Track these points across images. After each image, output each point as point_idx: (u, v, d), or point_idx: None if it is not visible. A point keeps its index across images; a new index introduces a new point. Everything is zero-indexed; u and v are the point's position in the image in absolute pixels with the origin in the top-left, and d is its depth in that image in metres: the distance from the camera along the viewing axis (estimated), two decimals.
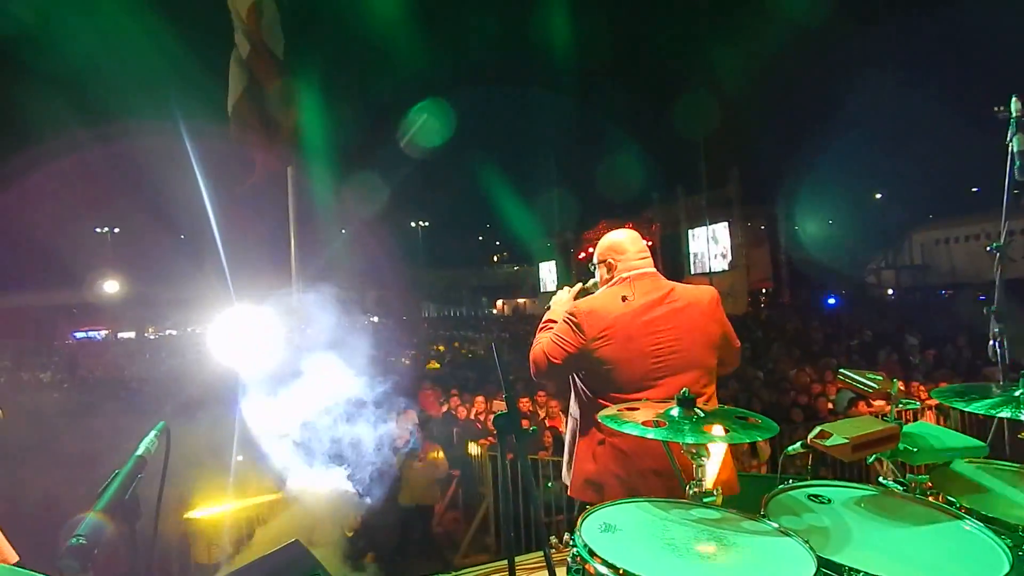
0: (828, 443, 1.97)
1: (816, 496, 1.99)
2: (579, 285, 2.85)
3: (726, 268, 30.77)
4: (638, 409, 1.97)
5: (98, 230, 38.49)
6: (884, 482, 2.14)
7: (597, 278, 2.73)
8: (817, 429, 2.08)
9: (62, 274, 33.41)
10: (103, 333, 36.55)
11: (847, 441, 1.94)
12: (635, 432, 1.82)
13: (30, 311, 32.46)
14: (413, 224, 47.83)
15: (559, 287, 2.97)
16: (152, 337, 34.17)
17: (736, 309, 26.84)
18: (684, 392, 1.90)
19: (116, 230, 38.66)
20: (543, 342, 2.58)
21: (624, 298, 2.50)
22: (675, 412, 1.89)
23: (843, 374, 2.47)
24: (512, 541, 2.25)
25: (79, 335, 35.72)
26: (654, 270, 2.62)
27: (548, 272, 43.27)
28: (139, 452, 1.43)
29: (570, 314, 2.52)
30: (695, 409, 1.90)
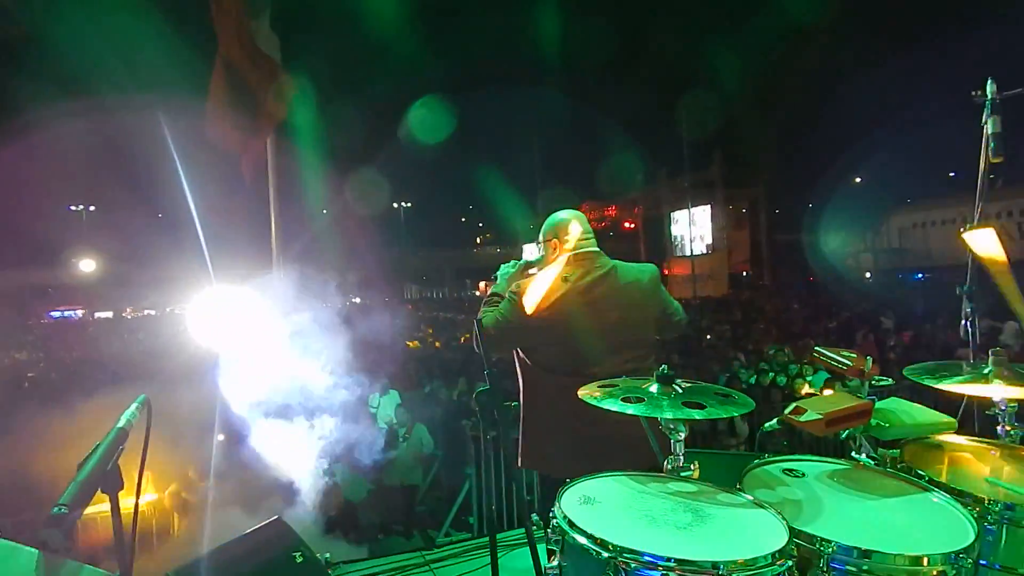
0: (803, 419, 2.02)
1: (791, 470, 2.04)
2: (525, 260, 2.87)
3: (707, 250, 31.00)
4: (618, 385, 1.99)
5: (72, 208, 37.78)
6: (857, 456, 2.20)
7: (543, 256, 2.75)
8: (792, 405, 2.13)
9: (36, 253, 32.79)
10: (80, 313, 35.98)
11: (821, 417, 1.99)
12: (615, 408, 1.84)
13: (3, 290, 31.84)
14: (395, 205, 47.48)
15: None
16: (129, 317, 33.74)
17: (717, 291, 27.09)
18: (663, 369, 1.94)
19: (91, 208, 37.97)
20: (486, 316, 2.60)
21: (566, 277, 2.54)
22: (654, 388, 1.92)
23: (818, 351, 2.52)
24: (495, 518, 2.29)
25: (55, 315, 35.13)
26: (597, 249, 2.66)
27: (531, 254, 43.13)
28: (120, 424, 1.43)
29: (512, 292, 2.55)
30: (674, 385, 1.93)
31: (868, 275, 31.96)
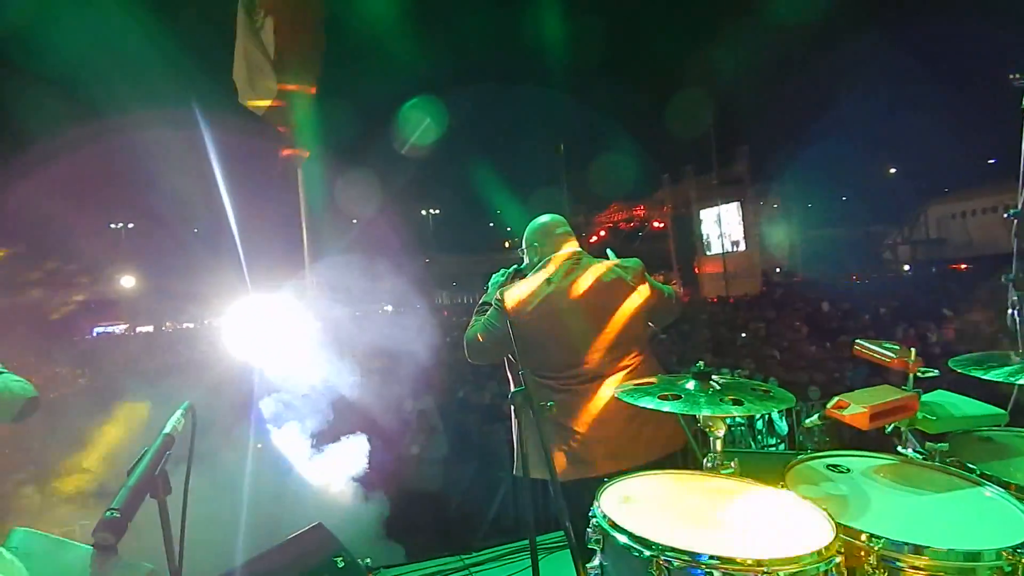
0: (846, 412, 1.97)
1: (835, 466, 2.00)
2: (514, 268, 2.89)
3: (739, 248, 30.56)
4: (654, 383, 1.97)
5: (113, 225, 38.84)
6: (903, 451, 2.14)
7: (528, 262, 2.80)
8: (835, 399, 2.08)
9: (80, 271, 33.90)
10: (122, 327, 36.95)
11: (865, 410, 1.94)
12: (651, 405, 1.83)
13: (49, 308, 32.96)
14: (424, 212, 47.82)
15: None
16: (170, 330, 34.52)
17: (750, 289, 26.68)
18: (699, 365, 1.92)
19: (130, 225, 38.99)
20: (475, 324, 2.68)
21: (549, 279, 2.57)
22: (690, 385, 1.89)
23: (860, 345, 2.46)
24: (533, 522, 2.27)
25: (98, 330, 36.13)
26: (578, 250, 2.69)
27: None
28: (166, 430, 1.47)
29: (497, 299, 2.60)
30: (711, 382, 1.90)
31: (907, 268, 31.16)
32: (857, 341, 2.48)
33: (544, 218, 2.77)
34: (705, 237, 32.73)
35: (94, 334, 35.08)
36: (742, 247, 30.31)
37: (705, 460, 1.88)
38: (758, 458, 2.89)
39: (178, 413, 1.53)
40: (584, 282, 2.58)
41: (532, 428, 2.25)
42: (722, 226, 30.85)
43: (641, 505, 1.65)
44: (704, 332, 14.53)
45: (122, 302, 35.79)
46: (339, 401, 7.61)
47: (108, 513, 1.19)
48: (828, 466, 1.99)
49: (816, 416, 2.25)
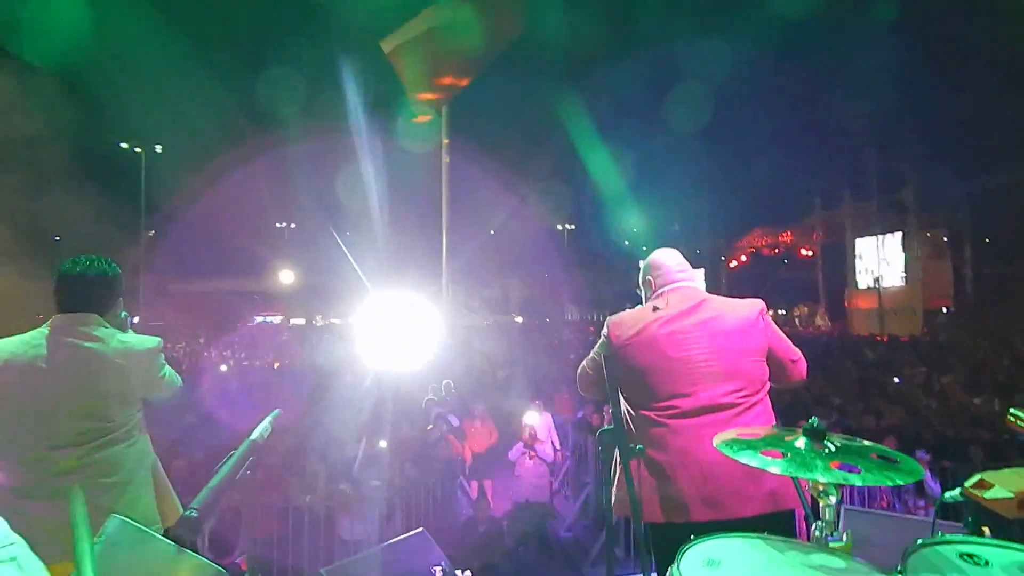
0: (988, 495, 1.74)
1: (970, 555, 1.75)
2: (640, 307, 2.84)
3: (899, 283, 27.90)
4: (760, 436, 1.84)
5: (278, 225, 42.64)
6: None
7: (646, 296, 2.79)
8: (976, 477, 1.84)
9: (248, 264, 37.78)
10: (278, 319, 40.54)
11: (1012, 496, 1.70)
12: (752, 462, 1.70)
13: (220, 296, 37.01)
14: (560, 227, 48.20)
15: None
16: (319, 324, 37.33)
17: (910, 330, 24.28)
18: (813, 421, 1.76)
19: (292, 225, 42.60)
20: (587, 360, 2.72)
21: (656, 308, 2.56)
22: (801, 443, 1.75)
23: (1014, 414, 2.15)
24: (645, 552, 2.16)
25: (258, 319, 39.93)
26: (691, 284, 2.67)
27: (697, 279, 41.47)
28: (253, 436, 1.56)
29: (605, 329, 2.64)
30: (826, 442, 1.74)
31: None
32: (1011, 411, 2.17)
33: (659, 253, 2.78)
34: (862, 269, 30.25)
35: (255, 322, 38.81)
36: (900, 282, 27.65)
37: (813, 527, 1.73)
38: (891, 524, 2.60)
39: (267, 421, 1.63)
40: (691, 314, 2.52)
41: (618, 469, 2.19)
42: (880, 257, 28.35)
43: (726, 571, 1.55)
44: (852, 372, 13.41)
45: (280, 295, 39.39)
46: (459, 409, 7.86)
47: (187, 512, 1.27)
48: (962, 555, 1.75)
49: (957, 491, 2.00)
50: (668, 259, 2.73)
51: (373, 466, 5.90)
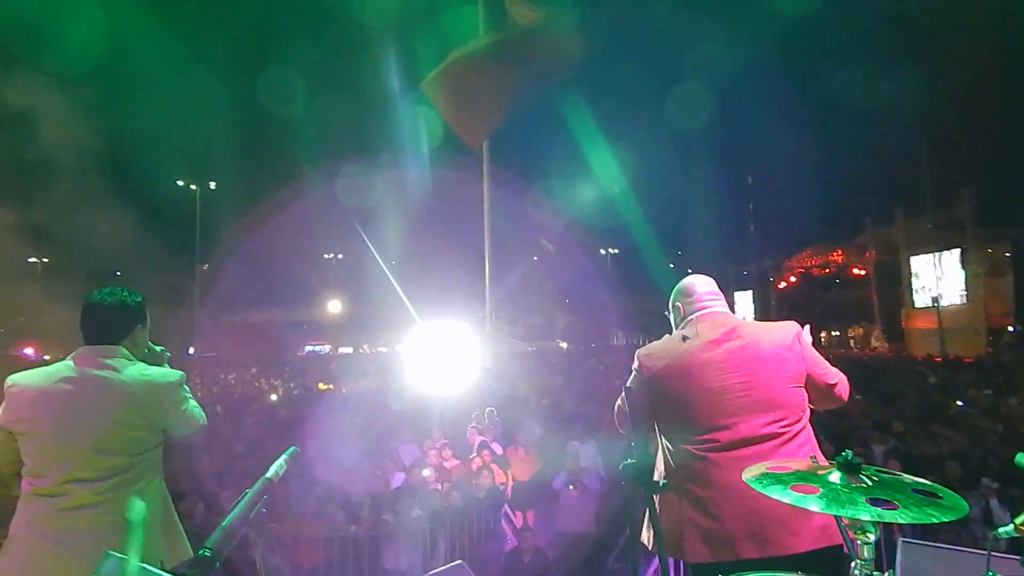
0: None
1: None
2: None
3: (959, 302, 26.77)
4: (790, 470, 1.78)
5: (327, 256, 43.63)
6: None
7: (673, 323, 2.70)
8: None
9: (297, 294, 38.78)
10: (326, 348, 41.33)
11: None
12: (788, 500, 1.63)
13: (271, 326, 38.03)
14: (603, 252, 48.02)
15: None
16: (366, 353, 37.87)
17: (972, 350, 23.24)
18: (847, 455, 1.69)
19: (340, 256, 43.54)
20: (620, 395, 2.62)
21: (685, 337, 2.46)
22: (835, 477, 1.66)
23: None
24: None
25: (308, 348, 40.80)
26: (722, 310, 2.55)
27: (745, 302, 40.76)
28: (268, 475, 1.54)
29: (634, 358, 2.55)
30: (862, 476, 1.67)
31: None
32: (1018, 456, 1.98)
33: (688, 279, 2.69)
34: (918, 287, 29.17)
35: (304, 351, 39.66)
36: (961, 300, 26.54)
37: (853, 566, 1.65)
38: (949, 557, 2.48)
39: (282, 459, 1.62)
40: (722, 342, 2.42)
41: (648, 504, 2.11)
42: (937, 275, 27.30)
43: None
44: (911, 395, 12.87)
45: (328, 324, 40.20)
46: (502, 437, 7.86)
47: (201, 551, 1.26)
48: None
49: (1011, 527, 1.91)
50: (698, 285, 2.62)
51: (416, 496, 5.93)
